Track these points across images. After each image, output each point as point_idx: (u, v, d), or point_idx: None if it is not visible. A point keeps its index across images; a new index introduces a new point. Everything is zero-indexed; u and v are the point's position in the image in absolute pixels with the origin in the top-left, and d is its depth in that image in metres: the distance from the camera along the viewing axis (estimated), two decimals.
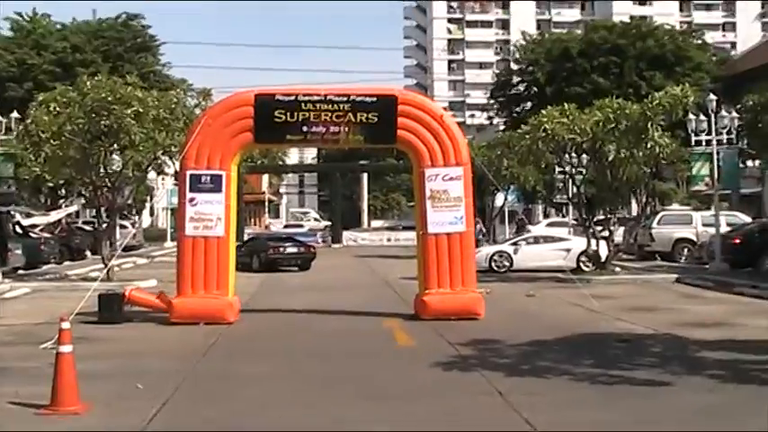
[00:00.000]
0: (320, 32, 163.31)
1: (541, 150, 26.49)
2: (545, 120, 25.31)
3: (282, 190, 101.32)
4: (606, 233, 27.61)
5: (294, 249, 32.23)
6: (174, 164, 26.15)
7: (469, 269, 17.01)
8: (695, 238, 32.25)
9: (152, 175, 38.40)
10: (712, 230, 28.74)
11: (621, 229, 30.36)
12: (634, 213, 36.55)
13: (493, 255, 30.00)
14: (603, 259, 27.30)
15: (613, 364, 11.39)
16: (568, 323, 15.97)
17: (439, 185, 16.94)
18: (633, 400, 9.38)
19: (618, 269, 27.55)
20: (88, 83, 23.82)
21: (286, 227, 66.43)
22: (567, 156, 27.74)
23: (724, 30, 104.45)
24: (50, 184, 34.39)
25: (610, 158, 25.55)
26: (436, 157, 16.97)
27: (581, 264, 28.57)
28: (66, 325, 9.24)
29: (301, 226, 66.77)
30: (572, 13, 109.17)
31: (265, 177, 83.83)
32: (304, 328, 15.88)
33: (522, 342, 13.48)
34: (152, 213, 66.46)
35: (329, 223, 63.81)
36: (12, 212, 31.89)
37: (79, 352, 9.48)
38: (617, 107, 24.93)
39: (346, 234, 58.41)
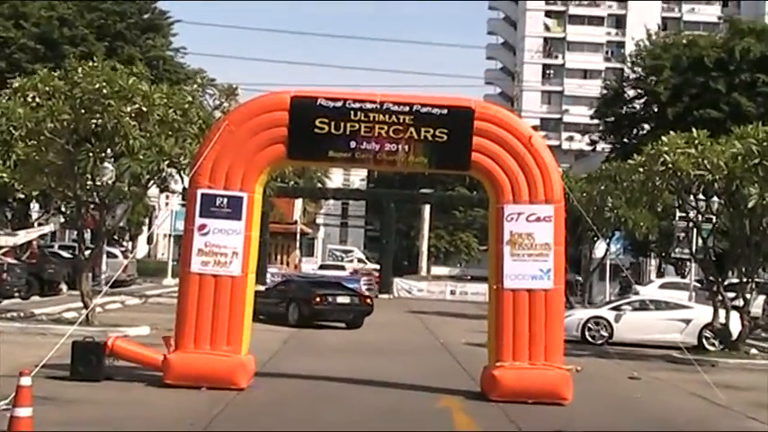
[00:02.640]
0: (379, 22, 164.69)
1: (659, 189, 26.26)
2: (665, 149, 25.09)
3: (320, 221, 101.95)
4: (740, 302, 27.21)
5: (346, 300, 32.04)
6: (182, 179, 26.40)
7: (555, 338, 16.83)
8: None
9: (153, 191, 38.89)
10: None
11: (761, 298, 29.93)
12: None
13: (587, 321, 29.73)
14: (735, 337, 26.87)
15: None
16: (683, 419, 15.73)
17: (522, 227, 16.83)
18: None
19: (754, 351, 27.07)
20: (79, 69, 23.95)
21: (322, 268, 66.72)
22: (692, 197, 27.42)
23: None
24: (21, 196, 34.88)
25: (750, 204, 25.19)
26: (520, 191, 16.89)
27: (704, 341, 28.16)
28: (26, 381, 9.28)
29: (342, 268, 66.94)
30: (710, 11, 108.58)
31: (299, 203, 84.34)
32: (336, 402, 15.82)
33: None
34: (150, 241, 67.30)
35: (377, 267, 63.87)
36: None
37: (42, 417, 9.54)
38: (764, 137, 24.63)
39: (398, 281, 58.50)
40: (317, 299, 30.96)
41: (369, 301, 32.88)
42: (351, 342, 26.63)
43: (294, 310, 31.03)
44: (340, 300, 31.61)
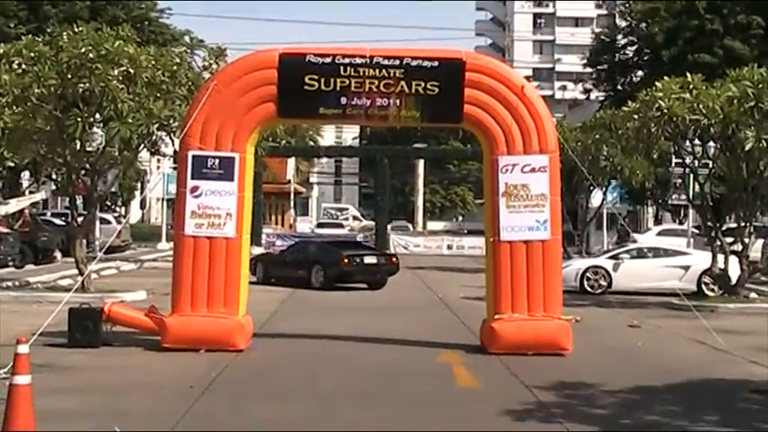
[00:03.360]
0: None
1: (654, 135, 26.22)
2: (660, 95, 25.05)
3: (314, 179, 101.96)
4: (738, 247, 27.28)
5: (374, 260, 31.50)
6: (173, 142, 26.35)
7: (554, 289, 16.89)
8: None
9: (144, 155, 38.83)
10: None
11: (760, 242, 29.97)
12: None
13: (586, 271, 29.85)
14: (734, 281, 26.97)
15: (746, 422, 11.25)
16: (685, 365, 15.79)
17: (517, 179, 16.83)
18: None
19: (753, 295, 27.19)
20: (64, 34, 23.86)
21: (320, 226, 66.78)
22: (688, 143, 27.39)
23: None
24: (10, 164, 34.76)
25: (747, 147, 25.17)
26: (514, 142, 16.86)
27: (703, 286, 28.30)
28: (23, 349, 9.30)
29: (341, 225, 67.04)
30: None
31: (291, 162, 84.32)
32: (335, 361, 15.88)
33: (621, 388, 13.34)
34: (143, 205, 67.31)
35: (372, 223, 63.97)
36: None
37: (40, 384, 9.58)
38: (759, 79, 24.58)
39: (395, 238, 58.54)
40: (346, 260, 30.19)
41: (394, 260, 32.55)
42: (348, 300, 26.70)
43: (318, 273, 30.24)
44: (367, 260, 31.01)
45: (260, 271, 31.54)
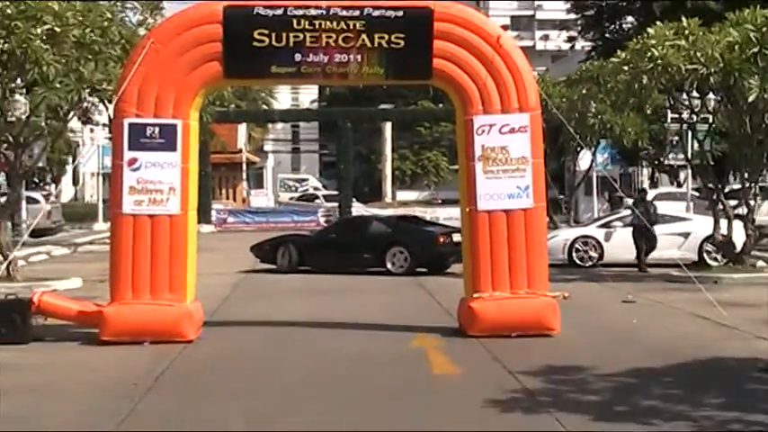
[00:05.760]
0: None
1: (647, 88, 26.28)
2: (653, 42, 25.09)
3: (268, 148, 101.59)
4: (743, 210, 27.44)
5: (458, 238, 29.90)
6: (107, 109, 26.20)
7: (539, 262, 16.96)
8: None
9: (75, 125, 38.57)
10: None
11: (766, 204, 30.19)
12: None
13: (574, 242, 29.98)
14: (739, 249, 27.15)
15: (753, 405, 11.32)
16: (685, 343, 15.88)
17: (494, 141, 16.84)
18: None
19: (761, 263, 27.41)
20: None
21: (302, 199, 67.02)
22: (685, 96, 27.48)
23: None
24: None
25: (750, 99, 25.24)
26: (490, 100, 16.87)
27: (705, 255, 28.45)
28: None
29: (315, 197, 67.04)
30: None
31: (242, 129, 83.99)
32: (297, 350, 15.89)
33: (616, 371, 13.41)
34: (76, 182, 66.86)
35: (335, 194, 63.98)
36: None
37: None
38: (762, 22, 24.65)
39: (361, 210, 58.54)
40: (441, 239, 28.73)
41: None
42: (309, 281, 26.70)
43: (399, 256, 28.60)
44: (456, 238, 27.53)
45: (287, 256, 29.67)
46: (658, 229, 29.53)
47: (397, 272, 28.10)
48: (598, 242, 29.84)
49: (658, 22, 26.14)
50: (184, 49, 16.72)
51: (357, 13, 16.77)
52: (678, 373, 13.50)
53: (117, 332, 16.09)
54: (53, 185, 58.53)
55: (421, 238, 29.16)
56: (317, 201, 67.86)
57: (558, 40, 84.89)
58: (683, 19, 25.54)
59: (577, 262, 29.34)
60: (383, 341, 16.61)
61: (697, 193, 40.18)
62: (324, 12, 16.76)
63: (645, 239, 28.29)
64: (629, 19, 57.42)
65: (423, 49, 16.80)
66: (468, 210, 17.08)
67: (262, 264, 29.96)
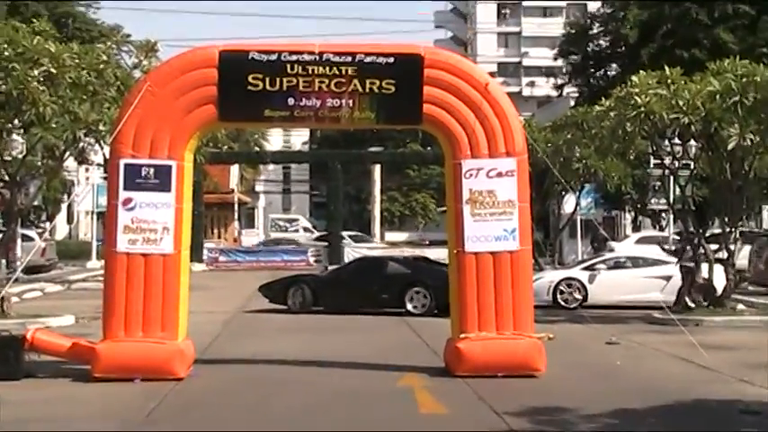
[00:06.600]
0: None
1: (631, 135, 26.38)
2: (636, 91, 25.21)
3: (260, 188, 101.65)
4: (724, 254, 27.46)
5: None
6: (102, 149, 26.20)
7: (524, 304, 16.93)
8: None
9: (71, 164, 38.54)
10: None
11: (747, 248, 30.23)
12: (766, 226, 36.42)
13: (559, 284, 29.98)
14: (720, 292, 27.15)
15: None
16: (668, 385, 15.87)
17: (482, 184, 16.88)
18: None
19: (741, 306, 27.35)
20: None
21: (275, 241, 66.70)
22: (667, 142, 27.56)
23: None
24: None
25: (730, 146, 25.38)
26: (478, 144, 16.92)
27: (687, 299, 28.41)
28: None
29: (295, 242, 66.79)
30: None
31: (235, 170, 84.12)
32: (286, 388, 15.83)
33: (599, 412, 13.40)
34: (70, 220, 66.80)
35: (325, 234, 63.96)
36: None
37: None
38: (743, 73, 24.78)
39: (349, 250, 58.48)
40: None
41: None
42: (299, 320, 26.63)
43: (418, 296, 28.09)
44: None
45: (300, 296, 28.94)
46: (641, 272, 29.59)
47: (417, 312, 27.65)
48: (582, 284, 29.84)
49: (642, 71, 26.25)
50: (180, 93, 16.75)
51: (349, 58, 16.83)
52: (661, 415, 13.49)
53: (109, 369, 16.00)
54: (48, 223, 58.29)
55: (442, 278, 28.62)
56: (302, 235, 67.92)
57: (543, 87, 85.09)
58: (666, 68, 25.68)
59: (562, 303, 29.31)
60: (371, 380, 16.57)
61: (678, 238, 40.14)
62: (317, 57, 16.80)
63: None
64: (614, 66, 57.73)
65: (413, 95, 16.86)
66: (455, 251, 17.11)
67: (257, 304, 29.81)
